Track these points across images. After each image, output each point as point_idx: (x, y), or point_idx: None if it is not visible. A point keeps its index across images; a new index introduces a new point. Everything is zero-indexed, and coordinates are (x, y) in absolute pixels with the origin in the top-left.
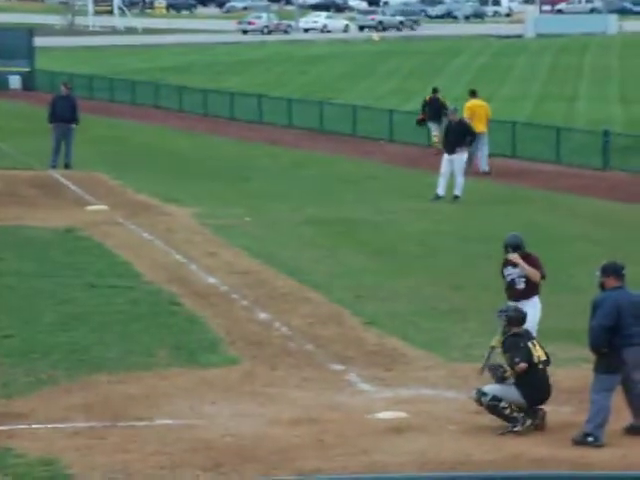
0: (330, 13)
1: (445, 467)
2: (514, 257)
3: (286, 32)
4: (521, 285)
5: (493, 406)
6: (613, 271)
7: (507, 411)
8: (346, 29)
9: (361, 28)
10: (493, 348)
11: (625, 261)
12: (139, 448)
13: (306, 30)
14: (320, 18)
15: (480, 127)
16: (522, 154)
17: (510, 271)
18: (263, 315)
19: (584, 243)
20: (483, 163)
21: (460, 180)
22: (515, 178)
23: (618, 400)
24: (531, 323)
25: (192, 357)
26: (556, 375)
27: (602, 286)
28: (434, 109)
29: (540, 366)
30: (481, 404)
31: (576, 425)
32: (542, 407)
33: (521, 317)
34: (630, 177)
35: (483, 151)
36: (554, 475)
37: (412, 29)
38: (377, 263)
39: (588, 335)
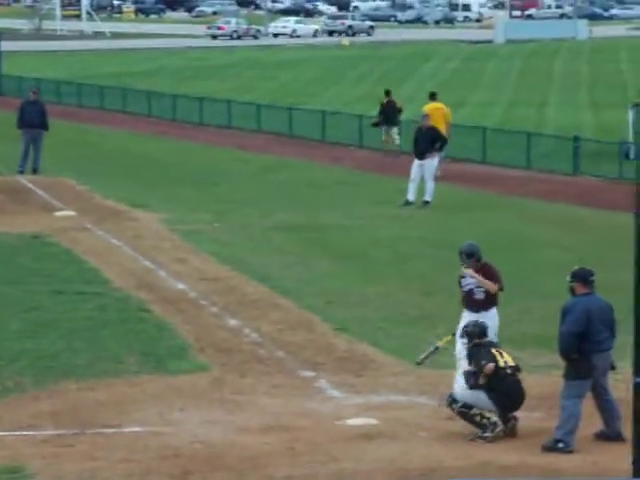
0: (299, 18)
1: (415, 474)
2: (469, 272)
3: (255, 37)
4: (480, 295)
5: (464, 413)
6: (581, 277)
7: (477, 418)
8: (315, 34)
9: (330, 33)
10: (437, 348)
11: (595, 267)
12: (107, 456)
13: (275, 35)
14: (289, 23)
15: None
16: (492, 160)
17: (468, 281)
18: (233, 322)
19: (554, 249)
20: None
21: (430, 185)
22: (485, 184)
23: (589, 406)
24: (490, 336)
25: (161, 364)
26: (526, 381)
27: (572, 291)
28: (389, 112)
29: (508, 371)
30: (452, 410)
31: (546, 431)
32: (514, 414)
33: (480, 330)
34: (600, 183)
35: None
36: None
37: (368, 34)
38: (347, 269)
39: (558, 341)
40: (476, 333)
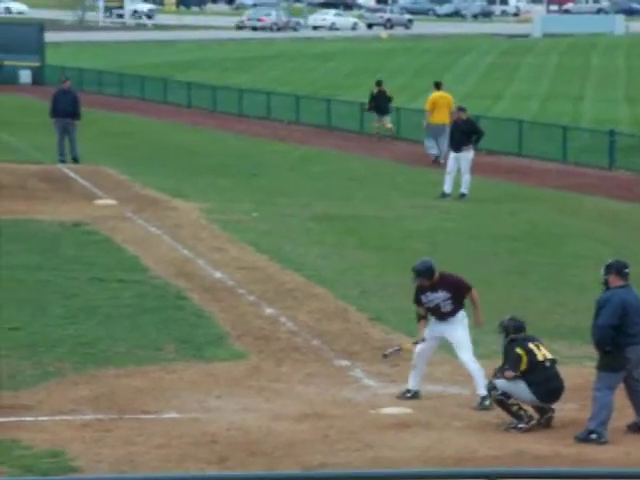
0: (339, 11)
1: (450, 463)
2: (481, 321)
3: (295, 29)
4: (447, 308)
5: (501, 400)
6: (615, 269)
7: (515, 408)
8: (354, 27)
9: (369, 26)
10: (399, 349)
11: (630, 260)
12: (145, 441)
13: (315, 28)
14: (328, 16)
15: (441, 118)
16: (528, 152)
17: (431, 297)
18: (269, 310)
19: (589, 242)
20: (436, 151)
21: (467, 178)
22: (521, 176)
23: (621, 398)
24: (463, 341)
25: (199, 351)
26: (562, 372)
27: (606, 284)
28: (380, 101)
29: (547, 364)
30: (490, 396)
31: (580, 422)
32: (551, 406)
33: (515, 325)
34: (635, 177)
35: (442, 142)
36: (557, 471)
37: (406, 27)
38: (383, 260)
39: (592, 333)
40: (511, 328)
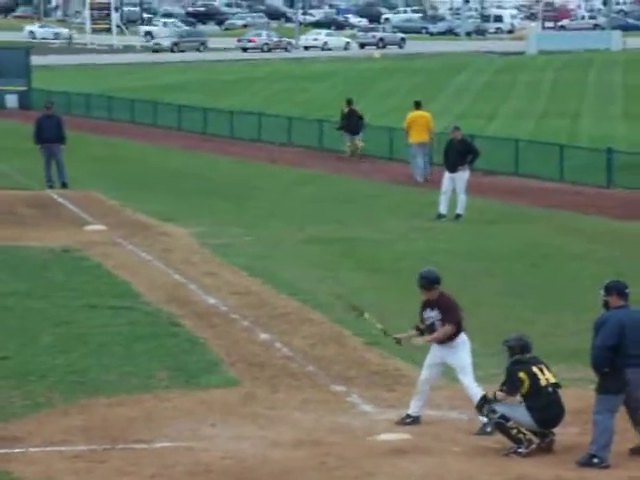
0: (330, 31)
1: None
2: (427, 340)
3: (286, 50)
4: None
5: (500, 424)
6: (616, 290)
7: (514, 431)
8: (347, 47)
9: (362, 46)
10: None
11: (628, 280)
12: (138, 471)
13: (306, 48)
14: (321, 36)
15: (419, 137)
16: (525, 172)
17: (428, 314)
18: (264, 336)
19: (588, 262)
20: (418, 174)
21: (462, 198)
22: (518, 196)
23: (623, 421)
24: (464, 365)
25: (192, 378)
26: (562, 395)
27: (606, 305)
28: (351, 120)
29: (549, 389)
30: (489, 420)
31: (581, 446)
32: (552, 430)
33: (521, 345)
34: (634, 195)
35: (420, 162)
36: None
37: (400, 47)
38: (378, 282)
39: (591, 355)
40: (517, 348)
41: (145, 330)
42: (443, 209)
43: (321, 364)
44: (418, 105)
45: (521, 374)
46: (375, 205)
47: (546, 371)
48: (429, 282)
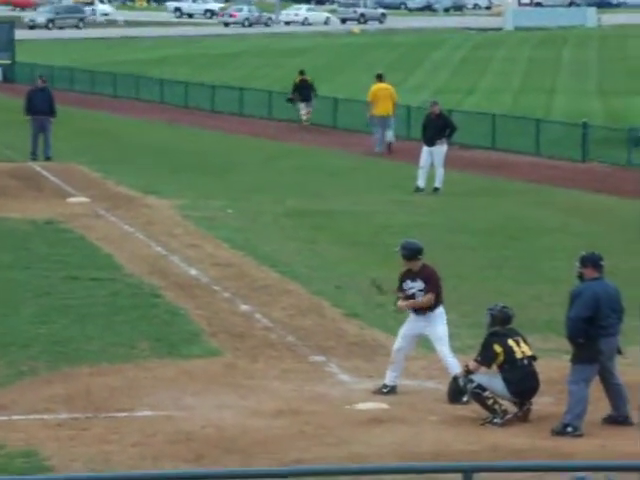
0: (311, 6)
1: (425, 457)
2: (402, 305)
3: (267, 25)
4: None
5: (477, 394)
6: (591, 262)
7: (490, 402)
8: (327, 22)
9: (343, 21)
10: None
11: (603, 252)
12: (120, 439)
13: (287, 23)
14: (301, 11)
15: (382, 109)
16: (502, 146)
17: (409, 285)
18: (244, 307)
19: (563, 235)
20: (380, 145)
21: (440, 172)
22: (495, 170)
23: (597, 391)
24: (442, 336)
25: (173, 349)
26: (537, 365)
27: (581, 277)
28: (303, 90)
29: (525, 362)
30: (466, 389)
31: (556, 415)
32: (528, 403)
33: (504, 317)
34: (608, 169)
35: (381, 133)
36: (533, 465)
37: (380, 22)
38: (357, 255)
39: (565, 325)
40: (499, 319)
41: (127, 301)
42: (421, 183)
43: (300, 335)
44: (380, 78)
45: (496, 347)
46: (354, 178)
47: (522, 344)
48: (413, 253)
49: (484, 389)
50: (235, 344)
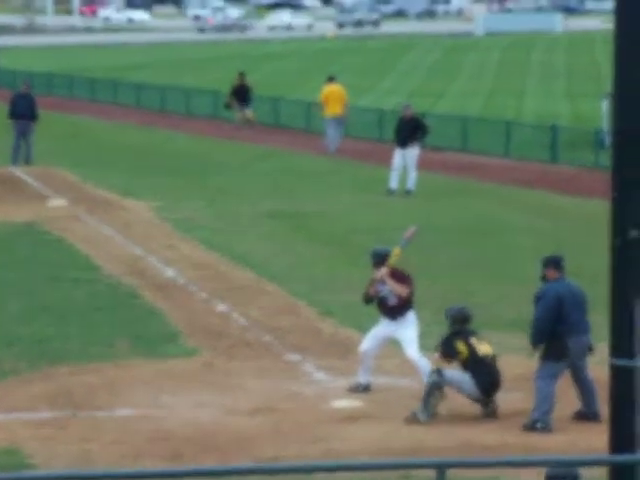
0: (294, 12)
1: (399, 454)
2: (382, 273)
3: (243, 30)
4: (393, 301)
5: (432, 386)
6: (553, 263)
7: (432, 400)
8: (309, 28)
9: (340, 26)
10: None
11: (570, 252)
12: (100, 438)
13: (271, 28)
14: (284, 17)
15: (333, 110)
16: (472, 148)
17: (381, 287)
18: (221, 307)
19: (531, 235)
20: (331, 145)
21: (413, 174)
22: (466, 171)
23: (567, 386)
24: (411, 339)
25: (152, 348)
26: (506, 362)
27: (544, 278)
28: (241, 92)
29: (488, 359)
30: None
31: (525, 412)
32: (494, 400)
33: (462, 317)
34: (577, 170)
35: (333, 133)
36: (505, 460)
37: (375, 25)
38: (331, 255)
39: (531, 326)
40: (458, 319)
41: (106, 301)
42: (394, 185)
43: (276, 334)
44: (332, 80)
45: (460, 345)
46: (328, 180)
47: (483, 342)
48: (381, 258)
49: (440, 388)
50: (212, 343)
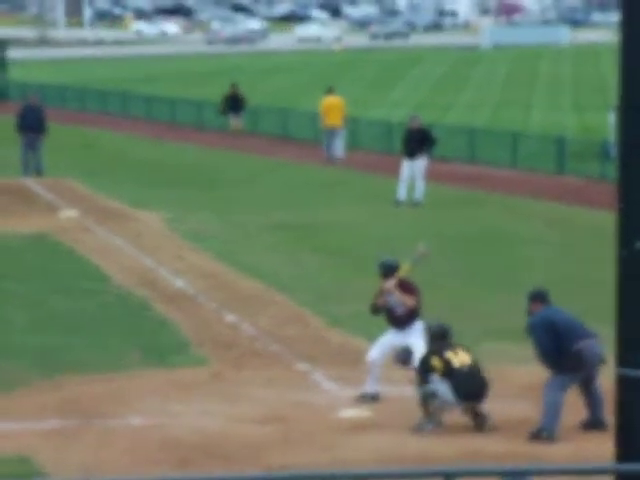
0: (323, 22)
1: (408, 463)
2: (390, 284)
3: (252, 42)
4: (400, 311)
5: (426, 398)
6: (539, 297)
7: (431, 408)
8: (338, 39)
9: (374, 37)
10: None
11: (577, 263)
12: (110, 446)
13: (301, 40)
14: (314, 28)
15: (333, 121)
16: (480, 159)
17: (388, 298)
18: (230, 317)
19: (539, 245)
20: (337, 153)
21: (421, 185)
22: (473, 182)
23: (573, 395)
24: (417, 349)
25: (162, 358)
26: (513, 372)
27: (530, 313)
28: (233, 101)
29: (465, 369)
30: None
31: (533, 421)
32: (483, 413)
33: (441, 332)
34: (583, 182)
35: (337, 143)
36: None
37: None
38: (339, 266)
39: (538, 358)
40: (438, 334)
41: (117, 312)
42: (402, 195)
43: (285, 343)
44: (331, 91)
45: (435, 361)
46: (336, 191)
47: (462, 353)
48: (390, 270)
49: (435, 398)
50: (221, 353)
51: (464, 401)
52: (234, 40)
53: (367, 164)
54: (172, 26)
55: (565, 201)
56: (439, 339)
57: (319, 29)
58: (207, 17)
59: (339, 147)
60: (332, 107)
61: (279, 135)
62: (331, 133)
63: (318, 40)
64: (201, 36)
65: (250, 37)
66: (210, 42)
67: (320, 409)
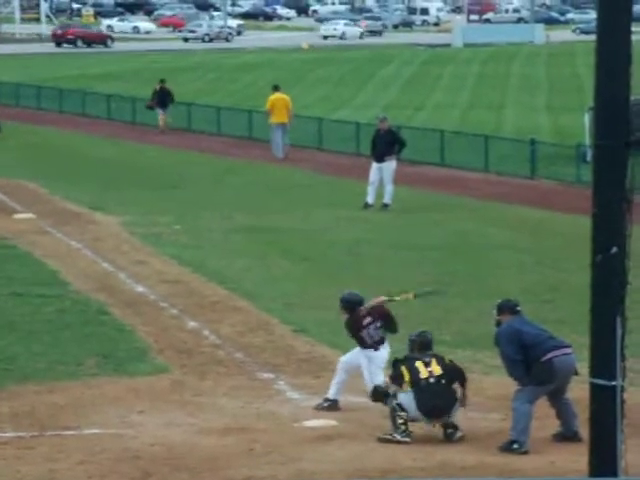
0: (347, 21)
1: (374, 475)
2: (377, 301)
3: (227, 40)
4: (377, 337)
5: (394, 409)
6: (508, 309)
7: (400, 420)
8: (362, 36)
9: (371, 32)
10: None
11: (551, 268)
12: (67, 458)
13: (325, 37)
14: (339, 25)
15: (280, 118)
16: (451, 162)
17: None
18: (192, 324)
19: (511, 251)
20: (279, 151)
21: (389, 188)
22: (443, 186)
23: (545, 407)
24: (381, 363)
25: (120, 366)
26: (483, 382)
27: (499, 324)
28: (162, 97)
29: (431, 380)
30: (385, 403)
31: (504, 432)
32: (454, 425)
33: (422, 341)
34: (557, 186)
35: (283, 140)
36: None
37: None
38: (306, 271)
39: (505, 368)
40: (417, 343)
41: (74, 318)
42: (370, 199)
43: (249, 352)
44: (277, 89)
45: (403, 368)
46: (303, 194)
47: (434, 365)
48: (352, 304)
49: (402, 409)
50: (183, 361)
51: (427, 416)
52: (210, 37)
53: (335, 166)
54: (147, 23)
55: (537, 205)
56: (419, 348)
57: (343, 27)
58: (170, 14)
59: (282, 144)
60: (279, 104)
61: (245, 136)
62: (279, 129)
63: (342, 37)
64: (176, 33)
65: (225, 35)
66: (185, 39)
67: (285, 419)
